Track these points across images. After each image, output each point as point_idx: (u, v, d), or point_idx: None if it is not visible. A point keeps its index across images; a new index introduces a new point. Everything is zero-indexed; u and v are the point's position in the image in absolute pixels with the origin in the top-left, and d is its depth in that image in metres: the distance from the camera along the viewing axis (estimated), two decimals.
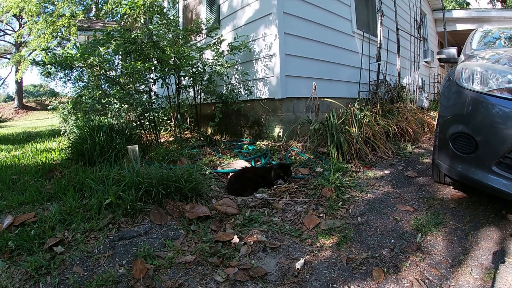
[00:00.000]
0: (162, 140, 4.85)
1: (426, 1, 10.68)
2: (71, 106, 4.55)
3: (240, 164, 3.52)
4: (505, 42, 3.49)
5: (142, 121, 4.44)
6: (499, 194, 1.96)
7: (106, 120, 3.84)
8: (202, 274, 1.67)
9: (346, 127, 3.89)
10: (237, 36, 4.78)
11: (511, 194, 1.87)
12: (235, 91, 4.88)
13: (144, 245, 1.90)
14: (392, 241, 2.00)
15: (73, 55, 3.62)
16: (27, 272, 1.61)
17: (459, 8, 20.76)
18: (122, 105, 3.99)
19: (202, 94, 5.04)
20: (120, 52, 4.17)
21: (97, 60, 3.67)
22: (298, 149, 4.14)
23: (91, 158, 3.25)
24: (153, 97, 4.66)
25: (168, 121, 5.25)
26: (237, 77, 5.16)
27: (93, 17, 16.98)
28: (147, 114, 4.31)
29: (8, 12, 15.13)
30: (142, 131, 4.45)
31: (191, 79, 4.74)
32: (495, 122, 1.97)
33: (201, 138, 4.92)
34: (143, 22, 4.67)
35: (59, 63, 3.61)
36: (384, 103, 5.49)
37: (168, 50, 4.19)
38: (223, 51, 4.80)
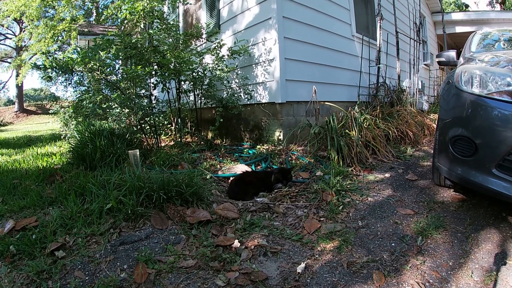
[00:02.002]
0: (163, 144, 4.86)
1: (425, 4, 10.72)
2: (72, 110, 4.56)
3: (240, 168, 3.52)
4: (504, 45, 3.50)
5: (143, 126, 4.45)
6: (499, 196, 1.97)
7: (106, 125, 3.85)
8: (203, 278, 1.67)
9: (346, 130, 3.89)
10: (237, 41, 4.81)
11: (511, 196, 1.87)
12: (236, 95, 4.90)
13: (145, 249, 1.90)
14: (393, 244, 2.00)
15: (74, 59, 3.64)
16: (28, 276, 1.62)
17: (458, 10, 20.87)
18: (123, 110, 4.00)
19: (203, 98, 5.06)
20: (121, 57, 4.18)
21: (98, 65, 3.68)
22: (298, 153, 4.15)
23: (92, 163, 3.25)
24: (153, 102, 4.68)
25: (169, 126, 5.26)
26: (237, 81, 5.18)
27: (93, 22, 17.05)
28: (148, 119, 4.32)
29: (9, 16, 15.12)
30: (143, 135, 4.46)
31: (192, 83, 4.75)
32: (495, 125, 1.98)
33: (202, 142, 4.93)
34: (143, 27, 4.70)
35: (59, 67, 3.63)
36: (384, 106, 5.50)
37: (169, 54, 4.21)
38: (223, 55, 4.82)
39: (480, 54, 2.86)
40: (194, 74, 4.65)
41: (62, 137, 5.82)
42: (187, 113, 5.55)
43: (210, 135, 5.64)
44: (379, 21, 6.03)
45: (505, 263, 1.75)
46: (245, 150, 4.47)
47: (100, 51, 3.77)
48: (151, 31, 4.45)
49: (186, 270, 1.73)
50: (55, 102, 5.97)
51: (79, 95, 4.52)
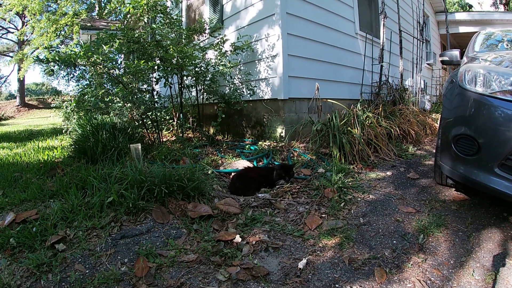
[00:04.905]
0: (164, 139, 4.85)
1: (429, 3, 10.67)
2: (74, 104, 4.55)
3: (242, 164, 3.52)
4: (507, 45, 3.48)
5: (145, 120, 4.44)
6: (501, 196, 1.96)
7: (108, 119, 3.84)
8: (204, 273, 1.67)
9: (349, 128, 3.89)
10: (240, 36, 4.79)
11: None
12: (238, 91, 4.89)
13: (146, 243, 1.90)
14: (394, 242, 2.00)
15: (77, 53, 3.63)
16: (28, 269, 1.62)
17: (462, 10, 20.77)
18: (125, 104, 4.00)
19: (205, 94, 5.05)
20: (123, 51, 4.17)
21: (101, 58, 3.67)
22: (300, 150, 4.14)
23: (94, 156, 3.25)
24: (155, 97, 4.66)
25: (171, 121, 5.26)
26: (240, 77, 5.17)
27: (96, 16, 16.99)
28: (150, 113, 4.32)
29: (11, 10, 15.13)
30: (145, 130, 4.45)
31: (194, 78, 4.74)
32: (498, 124, 1.97)
33: (203, 138, 4.93)
34: (146, 21, 4.68)
35: (62, 61, 3.61)
36: (386, 104, 5.48)
37: (171, 49, 4.20)
38: (226, 51, 4.80)
39: (483, 54, 2.84)
40: (196, 69, 4.64)
41: (63, 131, 5.82)
42: (189, 108, 5.53)
43: (212, 130, 5.63)
44: (382, 19, 6.00)
45: (506, 263, 1.75)
46: (247, 146, 4.47)
47: (103, 45, 3.76)
48: (154, 26, 4.43)
49: (187, 264, 1.73)
50: (56, 96, 5.98)
51: (81, 89, 4.52)
